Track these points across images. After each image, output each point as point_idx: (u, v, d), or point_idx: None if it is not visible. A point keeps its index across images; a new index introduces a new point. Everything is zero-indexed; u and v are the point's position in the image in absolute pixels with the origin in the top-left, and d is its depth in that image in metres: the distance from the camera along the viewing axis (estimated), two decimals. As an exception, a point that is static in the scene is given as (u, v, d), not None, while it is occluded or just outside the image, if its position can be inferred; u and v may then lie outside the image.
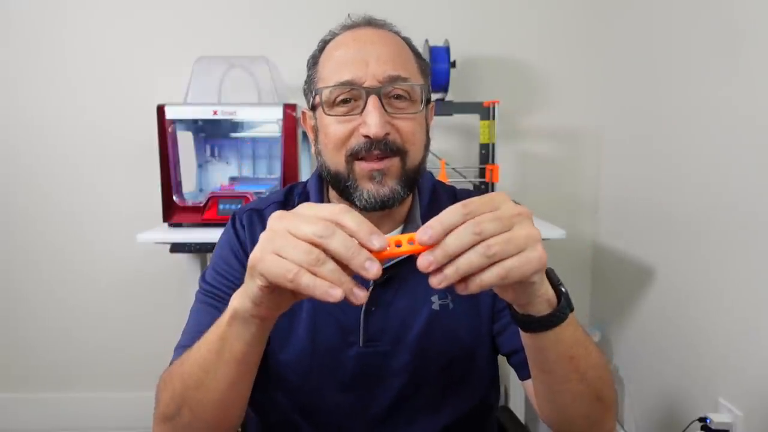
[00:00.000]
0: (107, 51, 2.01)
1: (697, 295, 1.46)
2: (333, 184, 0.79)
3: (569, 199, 2.11)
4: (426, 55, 1.76)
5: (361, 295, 0.47)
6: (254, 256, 0.50)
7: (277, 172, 1.83)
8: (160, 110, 1.64)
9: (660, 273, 1.66)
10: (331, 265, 0.47)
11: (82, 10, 1.99)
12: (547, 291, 0.55)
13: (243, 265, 0.53)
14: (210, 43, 1.95)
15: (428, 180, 0.87)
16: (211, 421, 0.65)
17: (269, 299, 0.53)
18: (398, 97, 0.74)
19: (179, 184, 1.71)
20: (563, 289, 0.57)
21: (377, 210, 0.75)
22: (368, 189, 0.74)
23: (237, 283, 0.57)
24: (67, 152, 2.04)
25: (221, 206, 1.65)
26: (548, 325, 0.57)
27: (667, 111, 1.62)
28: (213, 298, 0.79)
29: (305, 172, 1.83)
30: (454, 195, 0.88)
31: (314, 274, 0.47)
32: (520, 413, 1.72)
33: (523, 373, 0.77)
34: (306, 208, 0.51)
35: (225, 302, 0.59)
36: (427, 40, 1.82)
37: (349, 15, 0.81)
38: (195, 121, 1.80)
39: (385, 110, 0.72)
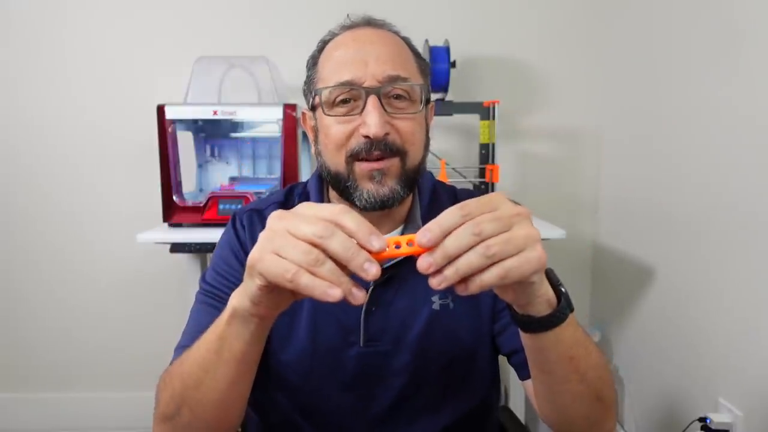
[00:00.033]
0: (107, 51, 2.01)
1: (697, 295, 1.46)
2: (333, 185, 0.79)
3: (569, 199, 2.11)
4: (426, 55, 1.76)
5: (359, 296, 0.48)
6: (253, 255, 0.50)
7: (277, 172, 1.83)
8: (160, 110, 1.64)
9: (660, 273, 1.66)
10: (330, 266, 0.47)
11: (81, 10, 1.99)
12: (546, 291, 0.55)
13: (243, 266, 0.53)
14: (210, 43, 1.95)
15: (428, 180, 0.87)
16: (210, 420, 0.65)
17: (268, 299, 0.53)
18: (398, 97, 0.74)
19: (179, 184, 1.71)
20: (563, 290, 0.57)
21: (377, 210, 0.75)
22: (368, 189, 0.74)
23: (237, 283, 0.57)
24: (67, 152, 2.04)
25: (221, 206, 1.65)
26: (548, 325, 0.57)
27: (666, 111, 1.62)
28: (213, 298, 0.79)
29: (305, 172, 1.83)
30: (455, 195, 0.88)
31: (313, 274, 0.47)
32: (520, 413, 1.72)
33: (524, 373, 0.77)
34: (305, 208, 0.51)
35: (225, 302, 0.59)
36: (427, 40, 1.82)
37: (348, 15, 0.81)
38: (195, 121, 1.80)
39: (385, 110, 0.72)
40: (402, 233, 0.82)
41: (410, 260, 0.48)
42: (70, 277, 2.10)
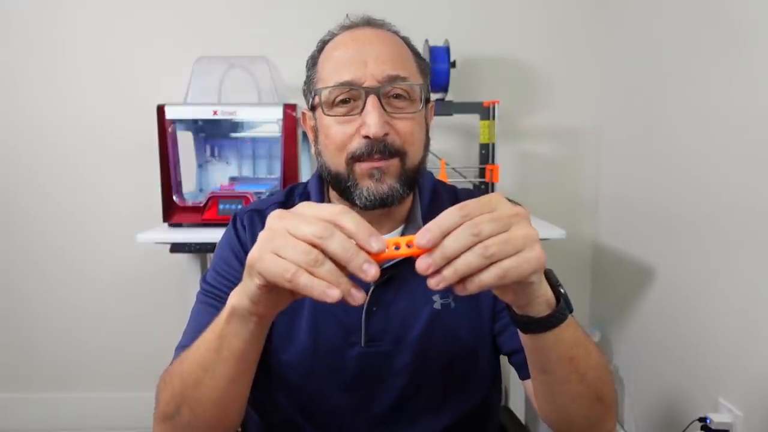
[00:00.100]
0: (107, 51, 2.01)
1: (697, 294, 1.46)
2: (333, 185, 0.79)
3: (569, 199, 2.11)
4: (426, 55, 1.76)
5: (358, 296, 0.48)
6: (253, 255, 0.50)
7: (277, 172, 1.83)
8: (160, 110, 1.64)
9: (660, 273, 1.66)
10: (329, 266, 0.47)
11: (82, 10, 1.99)
12: (546, 292, 0.55)
13: (244, 266, 0.53)
14: (210, 43, 1.95)
15: (429, 180, 0.87)
16: (210, 420, 0.65)
17: (267, 298, 0.53)
18: (397, 96, 0.74)
19: (179, 184, 1.71)
20: (562, 290, 0.58)
21: (377, 208, 0.75)
22: (368, 186, 0.74)
23: (237, 283, 0.57)
24: (68, 152, 2.04)
25: (221, 206, 1.65)
26: (547, 326, 0.57)
27: (666, 111, 1.62)
28: (213, 298, 0.79)
29: (305, 172, 1.83)
30: (455, 195, 0.88)
31: (312, 274, 0.47)
32: (520, 413, 1.72)
33: (524, 373, 0.77)
34: (305, 208, 0.51)
35: (225, 302, 0.59)
36: (427, 40, 1.82)
37: (347, 15, 0.81)
38: (195, 121, 1.80)
39: (385, 110, 0.72)
40: (402, 233, 0.82)
41: (411, 260, 0.48)
42: (70, 277, 2.10)
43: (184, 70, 1.77)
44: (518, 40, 2.04)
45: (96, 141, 2.04)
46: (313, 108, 0.80)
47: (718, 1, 1.38)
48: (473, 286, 0.48)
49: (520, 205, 0.52)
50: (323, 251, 0.47)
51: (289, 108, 1.64)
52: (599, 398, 0.65)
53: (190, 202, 1.70)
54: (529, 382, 0.75)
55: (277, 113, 1.64)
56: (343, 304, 0.47)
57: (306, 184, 0.88)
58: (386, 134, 0.72)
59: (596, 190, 2.11)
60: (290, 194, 0.88)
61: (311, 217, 0.49)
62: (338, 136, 0.74)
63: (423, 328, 0.79)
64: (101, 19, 2.00)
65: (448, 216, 0.48)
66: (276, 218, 0.51)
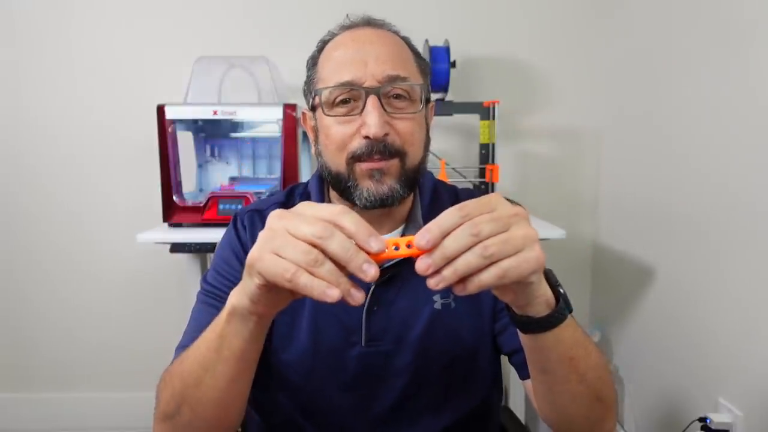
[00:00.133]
0: (107, 51, 2.01)
1: (697, 294, 1.46)
2: (334, 185, 0.79)
3: (569, 199, 2.11)
4: (426, 55, 1.76)
5: (358, 297, 0.48)
6: (253, 254, 0.50)
7: (277, 172, 1.83)
8: (160, 110, 1.64)
9: (660, 273, 1.66)
10: (329, 266, 0.47)
11: (82, 11, 1.99)
12: (545, 292, 0.56)
13: (244, 266, 0.54)
14: (210, 43, 1.95)
15: (429, 180, 0.87)
16: (210, 419, 0.65)
17: (267, 297, 0.53)
18: (398, 96, 0.74)
19: (179, 184, 1.71)
20: (562, 290, 0.58)
21: (377, 208, 0.75)
22: (368, 187, 0.74)
23: (237, 283, 0.57)
24: (68, 152, 2.04)
25: (221, 206, 1.65)
26: (547, 326, 0.57)
27: (666, 111, 1.62)
28: (214, 298, 0.79)
29: (305, 172, 1.83)
30: (456, 195, 0.88)
31: (312, 274, 0.47)
32: (520, 413, 1.72)
33: (524, 373, 0.77)
34: (305, 208, 0.51)
35: (225, 302, 0.59)
36: (427, 40, 1.82)
37: (348, 15, 0.81)
38: (195, 121, 1.80)
39: (385, 110, 0.73)
40: (403, 233, 0.82)
41: (411, 260, 0.48)
42: (71, 276, 2.10)
43: (184, 70, 1.77)
44: (518, 40, 2.04)
45: (96, 141, 2.04)
46: (313, 108, 0.80)
47: (718, 1, 1.38)
48: (473, 286, 0.48)
49: (519, 205, 0.53)
50: (323, 251, 0.47)
51: (289, 108, 1.64)
52: (599, 398, 0.65)
53: (190, 202, 1.70)
54: (529, 382, 0.75)
55: (277, 113, 1.64)
56: (343, 304, 0.47)
57: (306, 184, 0.88)
58: (386, 134, 0.72)
59: (596, 190, 2.11)
60: (290, 194, 0.89)
61: (311, 217, 0.49)
62: (338, 136, 0.74)
63: (424, 328, 0.79)
64: (101, 19, 2.00)
65: (447, 216, 0.48)
66: (276, 218, 0.51)
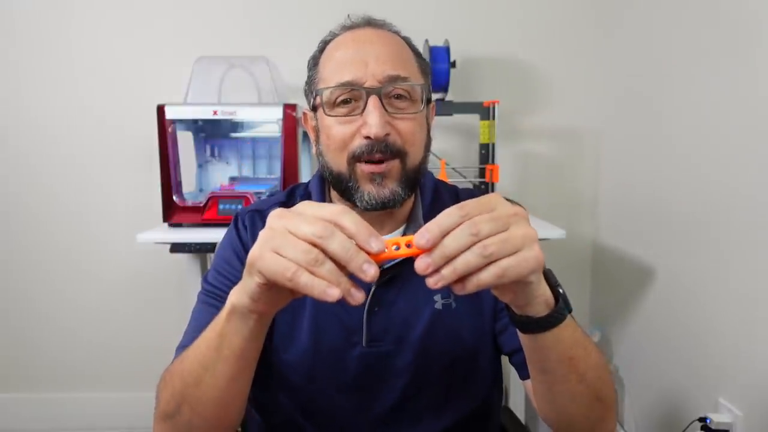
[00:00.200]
0: (107, 51, 2.01)
1: (697, 294, 1.46)
2: (334, 185, 0.79)
3: (569, 198, 2.11)
4: (426, 55, 1.76)
5: (358, 296, 0.48)
6: (253, 253, 0.51)
7: (277, 172, 1.83)
8: (160, 110, 1.64)
9: (660, 273, 1.66)
10: (329, 266, 0.47)
11: (82, 11, 1.99)
12: (545, 292, 0.56)
13: (244, 266, 0.54)
14: (210, 43, 1.95)
15: (430, 180, 0.87)
16: (210, 418, 0.65)
17: (267, 296, 0.53)
18: (399, 96, 0.74)
19: (179, 184, 1.71)
20: (561, 290, 0.58)
21: (378, 210, 0.75)
22: (369, 190, 0.74)
23: (238, 283, 0.57)
24: (69, 152, 2.05)
25: (221, 206, 1.65)
26: (546, 326, 0.57)
27: (666, 110, 1.62)
28: (214, 298, 0.79)
29: (305, 173, 1.83)
30: (456, 195, 0.88)
31: (313, 273, 0.47)
32: (520, 413, 1.72)
33: (524, 373, 0.77)
34: (306, 207, 0.51)
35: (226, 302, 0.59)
36: (427, 40, 1.82)
37: (348, 15, 0.81)
38: (195, 121, 1.80)
39: (386, 110, 0.73)
40: (404, 233, 0.82)
41: (412, 260, 0.48)
42: (71, 276, 2.10)
43: (184, 70, 1.77)
44: (518, 40, 2.04)
45: (97, 141, 2.04)
46: (314, 108, 0.80)
47: (718, 1, 1.38)
48: (472, 285, 0.48)
49: (519, 205, 0.53)
50: (323, 251, 0.47)
51: (289, 108, 1.64)
52: (599, 398, 0.65)
53: (190, 202, 1.70)
54: (529, 382, 0.74)
55: (277, 113, 1.64)
56: (344, 304, 0.47)
57: (307, 184, 0.89)
58: (387, 134, 0.73)
59: (596, 189, 2.11)
60: (291, 194, 0.89)
61: (311, 217, 0.49)
62: (339, 136, 0.74)
63: (424, 328, 0.79)
64: (102, 19, 2.00)
65: (447, 216, 0.48)
66: (276, 217, 0.51)
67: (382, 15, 0.81)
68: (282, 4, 2.01)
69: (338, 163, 0.76)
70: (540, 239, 0.50)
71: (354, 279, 0.48)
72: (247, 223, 0.84)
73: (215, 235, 1.46)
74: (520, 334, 0.61)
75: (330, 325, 0.79)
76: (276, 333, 0.79)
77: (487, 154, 1.85)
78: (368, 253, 0.47)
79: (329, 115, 0.75)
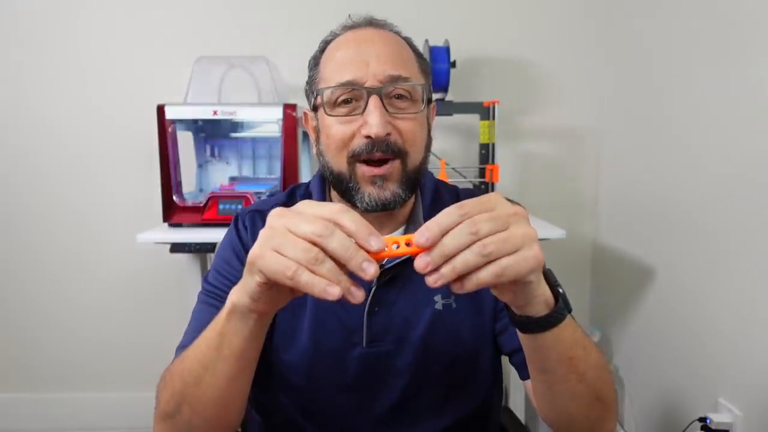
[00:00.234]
0: (107, 51, 2.01)
1: (697, 294, 1.46)
2: (335, 185, 0.79)
3: (569, 198, 2.11)
4: (426, 55, 1.76)
5: (358, 295, 0.48)
6: (254, 252, 0.51)
7: (277, 172, 1.83)
8: (160, 110, 1.64)
9: (660, 273, 1.66)
10: (329, 264, 0.47)
11: (82, 11, 1.99)
12: (544, 291, 0.56)
13: (245, 266, 0.54)
14: (210, 43, 1.95)
15: (431, 180, 0.87)
16: (210, 418, 0.65)
17: (267, 295, 0.53)
18: (399, 96, 0.74)
19: (179, 184, 1.71)
20: (561, 290, 0.58)
21: (378, 211, 0.75)
22: (369, 192, 0.75)
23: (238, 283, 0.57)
24: (69, 152, 2.05)
25: (221, 206, 1.65)
26: (546, 325, 0.57)
27: (666, 110, 1.62)
28: (214, 298, 0.79)
29: (305, 173, 1.83)
30: (457, 195, 0.88)
31: (313, 272, 0.47)
32: (520, 413, 1.72)
33: (524, 373, 0.77)
34: (306, 206, 0.51)
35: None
36: (427, 40, 1.82)
37: (349, 15, 0.81)
38: (195, 121, 1.80)
39: (387, 110, 0.73)
40: (404, 233, 0.82)
41: (412, 260, 0.48)
42: (71, 276, 2.10)
43: (184, 70, 1.77)
44: (518, 40, 2.04)
45: (97, 141, 2.04)
46: (315, 108, 0.80)
47: (718, 1, 1.38)
48: (471, 284, 0.48)
49: (519, 204, 0.53)
50: (323, 249, 0.47)
51: (289, 108, 1.64)
52: (599, 398, 0.65)
53: (190, 202, 1.70)
54: (529, 382, 0.74)
55: (277, 113, 1.64)
56: (344, 304, 0.48)
57: (308, 184, 0.89)
58: (388, 134, 0.73)
59: (596, 189, 2.11)
60: (292, 195, 0.89)
61: (311, 216, 0.49)
62: (340, 135, 0.74)
63: (425, 329, 0.79)
64: (101, 19, 2.00)
65: (446, 215, 0.48)
66: (276, 216, 0.51)
67: (383, 15, 0.81)
68: (282, 4, 2.01)
69: (338, 162, 0.76)
70: (540, 239, 0.51)
71: (354, 278, 0.48)
72: (247, 223, 0.84)
73: (215, 235, 1.46)
74: (519, 334, 0.61)
75: (330, 325, 0.79)
76: (276, 333, 0.79)
77: (487, 154, 1.85)
78: (368, 252, 0.47)
79: (330, 115, 0.75)
